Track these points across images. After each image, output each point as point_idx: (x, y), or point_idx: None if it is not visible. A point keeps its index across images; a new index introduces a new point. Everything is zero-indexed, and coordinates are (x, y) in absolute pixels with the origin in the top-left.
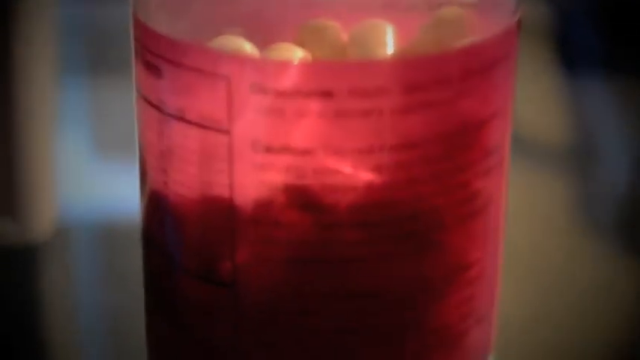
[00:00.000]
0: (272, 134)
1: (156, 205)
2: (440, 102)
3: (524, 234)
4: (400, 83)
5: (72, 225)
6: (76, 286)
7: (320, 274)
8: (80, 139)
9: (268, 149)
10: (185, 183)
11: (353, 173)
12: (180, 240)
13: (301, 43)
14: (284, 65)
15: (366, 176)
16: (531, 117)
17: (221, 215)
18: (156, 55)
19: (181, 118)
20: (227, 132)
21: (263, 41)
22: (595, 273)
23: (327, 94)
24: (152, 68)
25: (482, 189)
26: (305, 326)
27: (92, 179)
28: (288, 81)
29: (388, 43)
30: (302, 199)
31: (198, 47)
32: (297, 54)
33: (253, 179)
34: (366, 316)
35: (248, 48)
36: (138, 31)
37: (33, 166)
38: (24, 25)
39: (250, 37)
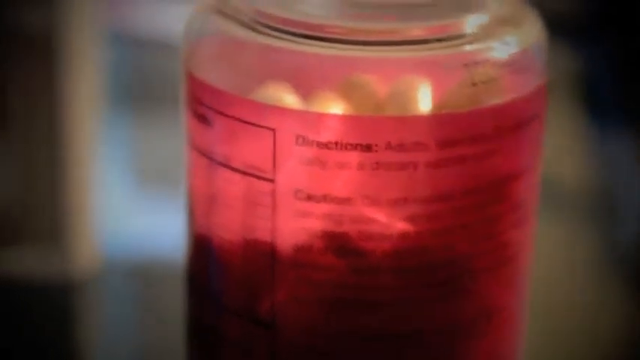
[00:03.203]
0: (313, 183)
1: (200, 247)
2: (472, 157)
3: (548, 280)
4: (435, 139)
5: (113, 259)
6: (113, 317)
7: (354, 316)
8: (123, 174)
9: (309, 197)
10: (228, 227)
11: (388, 222)
12: (222, 280)
13: (342, 97)
14: (326, 118)
15: (400, 225)
16: (557, 165)
17: (262, 258)
18: (206, 106)
19: (228, 166)
20: (271, 180)
21: (305, 93)
22: (619, 322)
23: (366, 147)
24: (202, 118)
25: (511, 240)
26: None
27: (134, 215)
28: (330, 134)
29: (424, 99)
30: (339, 244)
31: (246, 100)
32: (337, 106)
33: (294, 225)
34: (397, 358)
35: (290, 98)
36: (189, 83)
37: (76, 200)
38: (71, 61)
39: (294, 89)
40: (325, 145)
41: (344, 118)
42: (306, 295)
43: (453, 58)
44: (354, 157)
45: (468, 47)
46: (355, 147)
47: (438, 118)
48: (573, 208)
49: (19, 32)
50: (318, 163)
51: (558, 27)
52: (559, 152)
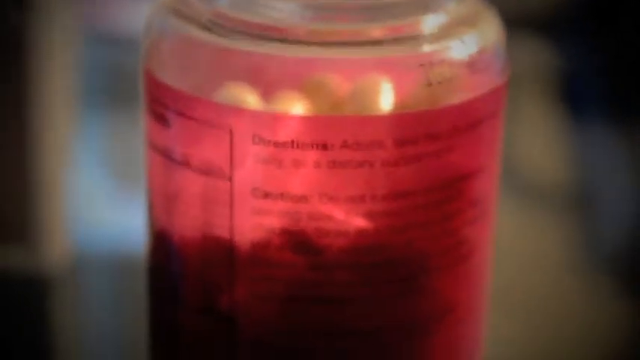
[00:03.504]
0: (270, 182)
1: (161, 243)
2: (428, 155)
3: (524, 274)
4: (391, 137)
5: (85, 255)
6: (87, 314)
7: (313, 312)
8: (96, 170)
9: (266, 195)
10: (188, 225)
11: (345, 219)
12: (182, 277)
13: (302, 97)
14: (282, 118)
15: (357, 222)
16: (534, 159)
17: (221, 255)
18: (163, 105)
19: (186, 165)
20: (229, 179)
21: (265, 92)
22: (594, 313)
23: (322, 146)
24: (160, 118)
25: (467, 237)
26: None
27: (106, 210)
28: (286, 133)
29: (384, 99)
30: (297, 242)
31: (203, 100)
32: (297, 106)
33: (252, 223)
34: (356, 354)
35: (251, 99)
36: (148, 83)
37: (48, 195)
38: (43, 59)
39: (253, 87)
40: (281, 145)
41: (299, 117)
42: (265, 291)
43: (410, 58)
44: (310, 155)
45: (425, 47)
46: (311, 146)
47: (393, 118)
48: (553, 203)
49: None
50: (274, 161)
51: (539, 22)
52: (539, 147)
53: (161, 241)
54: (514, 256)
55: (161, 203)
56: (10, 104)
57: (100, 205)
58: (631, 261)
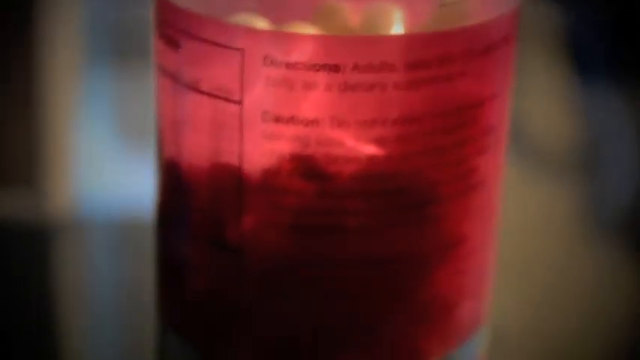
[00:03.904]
0: (281, 105)
1: (169, 173)
2: (441, 79)
3: (528, 238)
4: (402, 59)
5: (89, 205)
6: (92, 266)
7: (321, 241)
8: (103, 127)
9: (277, 119)
10: (196, 151)
11: (355, 145)
12: (190, 206)
13: (314, 24)
14: (294, 38)
15: (367, 148)
16: (539, 119)
17: (230, 182)
18: (173, 28)
19: (195, 89)
20: (239, 102)
21: (277, 20)
22: (599, 276)
23: (333, 68)
24: (169, 41)
25: (478, 166)
26: (307, 291)
27: (113, 167)
28: (298, 54)
29: (397, 26)
30: (306, 167)
31: (215, 20)
32: (309, 32)
33: (262, 148)
34: (365, 283)
35: (262, 24)
36: (157, 5)
37: (54, 146)
38: (49, 17)
39: (265, 16)
40: (293, 66)
41: (311, 37)
42: (274, 219)
43: None
44: (321, 77)
45: None
46: (323, 67)
47: (405, 39)
48: (559, 164)
49: None
50: (285, 84)
51: None
52: (546, 108)
53: (169, 170)
54: (520, 219)
55: (170, 131)
56: (17, 56)
57: (106, 157)
58: (637, 221)
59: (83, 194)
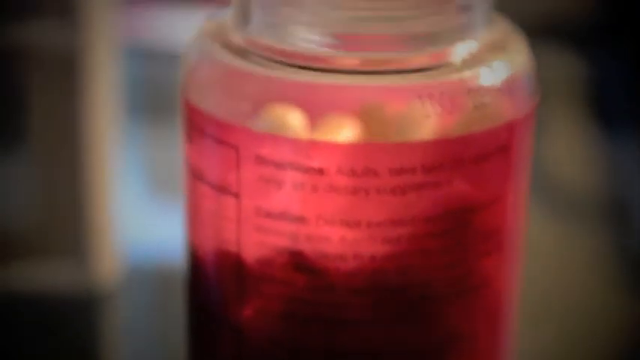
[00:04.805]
0: (271, 202)
1: (188, 255)
2: (426, 186)
3: (556, 286)
4: (386, 165)
5: (134, 270)
6: (138, 330)
7: (314, 332)
8: (138, 185)
9: (268, 214)
10: (204, 236)
11: (342, 243)
12: (201, 287)
13: (352, 123)
14: (280, 140)
15: (355, 247)
16: (564, 168)
17: (231, 269)
18: (187, 121)
19: (202, 179)
20: (236, 195)
21: (314, 113)
22: (625, 322)
23: (319, 171)
24: (185, 133)
25: (477, 269)
26: None
27: (151, 224)
28: (284, 155)
29: (425, 127)
30: (297, 261)
31: (215, 118)
32: (345, 131)
33: (257, 240)
34: None
35: (294, 119)
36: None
37: (98, 212)
38: (90, 76)
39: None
40: (281, 166)
41: (294, 141)
42: (270, 307)
43: (452, 84)
44: (307, 179)
45: (465, 73)
46: (308, 170)
47: (390, 147)
48: (583, 212)
49: (40, 47)
50: (275, 182)
51: (567, 32)
52: (568, 157)
53: (188, 254)
54: (545, 265)
55: (187, 214)
56: (59, 121)
57: (144, 219)
58: None
59: (126, 255)
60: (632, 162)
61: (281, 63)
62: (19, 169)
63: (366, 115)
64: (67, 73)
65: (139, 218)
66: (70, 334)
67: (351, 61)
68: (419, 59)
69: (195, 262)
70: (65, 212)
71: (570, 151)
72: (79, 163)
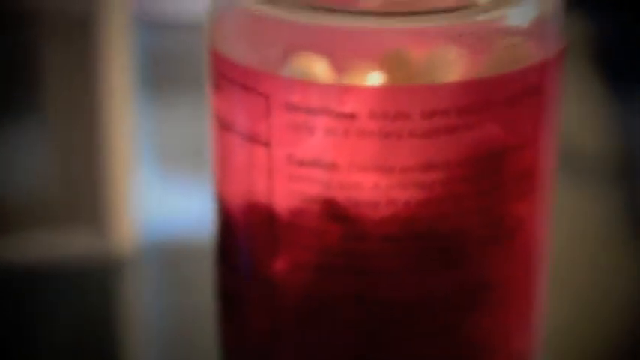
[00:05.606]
0: (303, 149)
1: (217, 207)
2: (459, 129)
3: (566, 247)
4: (419, 109)
5: (149, 240)
6: (153, 300)
7: (346, 281)
8: (151, 155)
9: (300, 163)
10: (235, 188)
11: (375, 190)
12: (231, 240)
13: (378, 69)
14: (313, 86)
15: (387, 193)
16: (574, 129)
17: (263, 221)
18: (215, 70)
19: (231, 129)
20: (266, 144)
21: (338, 66)
22: (636, 285)
23: (349, 116)
24: (213, 84)
25: (510, 213)
26: (334, 328)
27: (162, 195)
28: (315, 100)
29: (454, 69)
30: (329, 210)
31: (242, 66)
32: (374, 75)
33: (288, 189)
34: (389, 325)
35: (321, 65)
36: (208, 52)
37: (114, 180)
38: (106, 45)
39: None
40: (312, 112)
41: (325, 86)
42: (302, 258)
43: (479, 26)
44: (339, 124)
45: (492, 14)
46: (340, 115)
47: (422, 89)
48: (594, 173)
49: (57, 17)
50: (306, 129)
51: None
52: (580, 118)
53: (217, 205)
54: (555, 229)
55: (216, 167)
56: (76, 90)
57: (156, 188)
58: None
59: (144, 226)
60: None
61: (308, 8)
62: (36, 139)
63: (395, 59)
64: (83, 40)
65: (156, 187)
66: (87, 303)
67: (378, 2)
68: (447, 0)
69: (225, 218)
70: (82, 181)
71: (582, 112)
72: (95, 131)
